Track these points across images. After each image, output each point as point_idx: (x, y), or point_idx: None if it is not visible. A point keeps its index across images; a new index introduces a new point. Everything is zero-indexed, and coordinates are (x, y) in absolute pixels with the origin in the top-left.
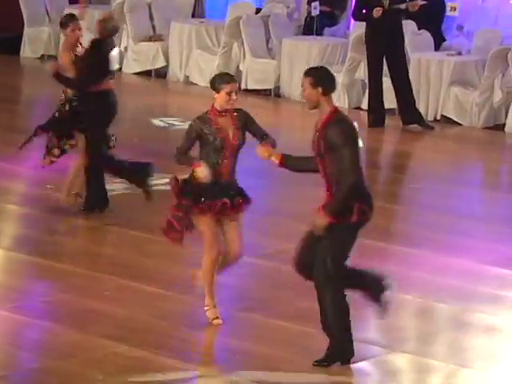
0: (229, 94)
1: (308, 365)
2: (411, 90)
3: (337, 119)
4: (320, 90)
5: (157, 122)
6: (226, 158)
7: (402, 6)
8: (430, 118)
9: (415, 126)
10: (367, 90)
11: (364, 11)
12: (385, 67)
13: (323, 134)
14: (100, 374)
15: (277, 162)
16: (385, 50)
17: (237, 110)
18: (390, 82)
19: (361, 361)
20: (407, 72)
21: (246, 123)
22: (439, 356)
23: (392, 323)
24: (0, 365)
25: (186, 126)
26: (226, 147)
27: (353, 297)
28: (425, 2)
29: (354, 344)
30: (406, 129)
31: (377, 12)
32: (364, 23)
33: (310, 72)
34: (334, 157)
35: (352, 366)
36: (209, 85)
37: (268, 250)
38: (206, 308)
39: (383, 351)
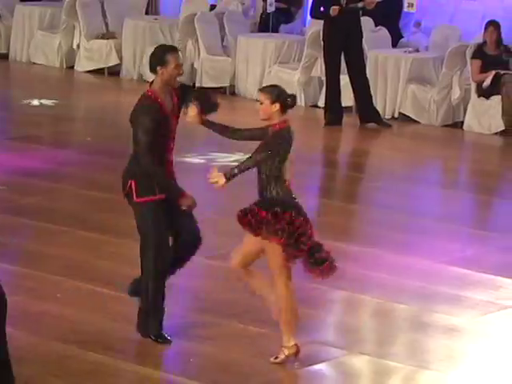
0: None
1: (265, 366)
2: (369, 88)
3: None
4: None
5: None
6: None
7: (360, 5)
8: (388, 115)
9: (373, 124)
10: (324, 88)
11: (322, 9)
12: (342, 65)
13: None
14: (54, 377)
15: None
16: (342, 47)
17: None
18: (348, 79)
19: (319, 363)
20: (365, 70)
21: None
22: (398, 357)
23: (350, 324)
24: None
25: None
26: None
27: (308, 296)
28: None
29: (312, 346)
30: (363, 127)
31: (334, 11)
32: (321, 21)
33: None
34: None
35: (310, 368)
36: None
37: (222, 251)
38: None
39: (341, 353)
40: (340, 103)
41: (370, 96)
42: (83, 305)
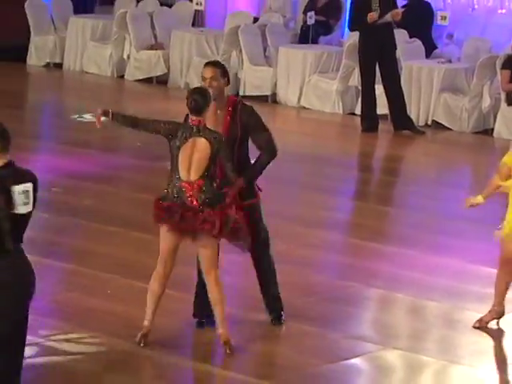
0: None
1: (301, 360)
2: (403, 97)
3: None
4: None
5: None
6: None
7: (388, 19)
8: (421, 123)
9: (407, 131)
10: (360, 97)
11: (357, 22)
12: (377, 75)
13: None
14: (109, 373)
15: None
16: (377, 58)
17: None
18: (383, 89)
19: (354, 357)
20: (399, 79)
21: None
22: (430, 352)
23: (384, 321)
24: None
25: None
26: None
27: (344, 294)
28: (403, 9)
29: (348, 341)
30: (397, 134)
31: (371, 17)
32: (357, 32)
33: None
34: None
35: (346, 362)
36: None
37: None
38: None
39: (376, 348)
40: (375, 111)
41: (404, 105)
42: (134, 302)
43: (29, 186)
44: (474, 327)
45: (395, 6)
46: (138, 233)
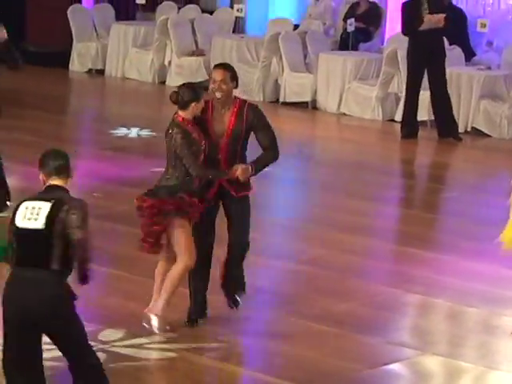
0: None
1: (341, 365)
2: (450, 104)
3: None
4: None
5: None
6: None
7: (432, 25)
8: (461, 130)
9: (450, 138)
10: (400, 103)
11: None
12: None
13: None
14: (144, 372)
15: None
16: (425, 64)
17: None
18: (430, 95)
19: (393, 362)
20: (446, 86)
21: None
22: (469, 358)
23: (423, 326)
24: None
25: None
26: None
27: (384, 299)
28: (444, 15)
29: (387, 346)
30: (436, 140)
31: (439, 21)
32: (398, 39)
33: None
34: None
35: (385, 367)
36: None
37: (304, 256)
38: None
39: (415, 353)
40: (416, 118)
41: (451, 111)
42: (176, 306)
43: (41, 204)
44: None
45: (444, 12)
46: None
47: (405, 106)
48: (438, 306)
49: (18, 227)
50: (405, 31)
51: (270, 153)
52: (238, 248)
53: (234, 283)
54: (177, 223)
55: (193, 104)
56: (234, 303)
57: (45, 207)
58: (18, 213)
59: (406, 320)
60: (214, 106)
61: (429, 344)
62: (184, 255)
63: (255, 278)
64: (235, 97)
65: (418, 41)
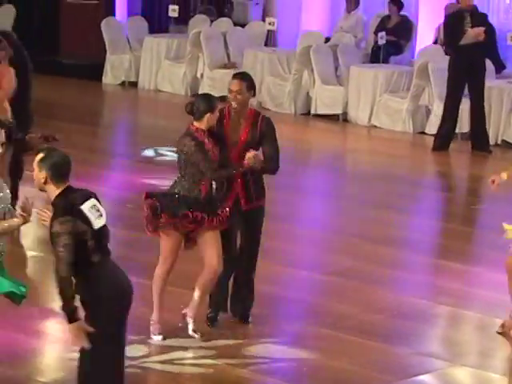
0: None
1: (371, 376)
2: (485, 119)
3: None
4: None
5: None
6: None
7: (472, 39)
8: (491, 142)
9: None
10: (431, 115)
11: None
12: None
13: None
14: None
15: None
16: (466, 78)
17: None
18: (469, 108)
19: (423, 374)
20: (483, 100)
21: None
22: (498, 370)
23: (453, 338)
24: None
25: None
26: None
27: (413, 310)
28: (484, 28)
29: (417, 357)
30: (467, 153)
31: (479, 34)
32: (428, 52)
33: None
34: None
35: (415, 378)
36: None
37: (336, 268)
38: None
39: (444, 364)
40: (454, 131)
41: (485, 126)
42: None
43: (93, 200)
44: (498, 332)
45: (485, 26)
46: None
47: (442, 118)
48: (467, 317)
49: (96, 229)
50: (447, 44)
51: (272, 163)
52: (243, 271)
53: (240, 307)
54: (202, 233)
55: (207, 115)
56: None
57: (96, 203)
58: (89, 217)
59: (435, 331)
60: (230, 114)
61: (458, 355)
62: (209, 262)
63: (285, 288)
64: (250, 108)
65: (459, 54)
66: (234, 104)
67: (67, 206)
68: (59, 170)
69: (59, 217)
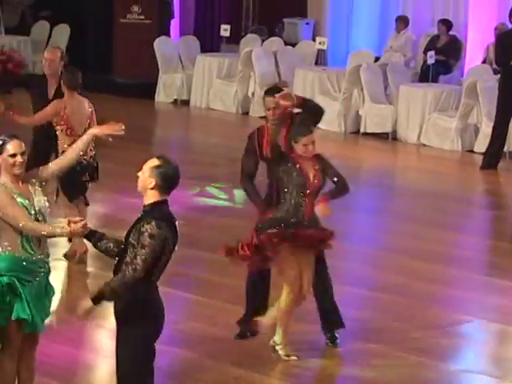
0: (305, 145)
1: None
2: None
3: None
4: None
5: None
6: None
7: None
8: None
9: None
10: (479, 134)
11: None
12: None
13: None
14: None
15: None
16: None
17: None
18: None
19: None
20: None
21: (324, 167)
22: None
23: (503, 355)
24: None
25: None
26: (307, 187)
27: (463, 328)
28: None
29: (467, 374)
30: (508, 170)
31: None
32: (478, 71)
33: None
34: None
35: None
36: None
37: (385, 284)
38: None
39: (495, 381)
40: (502, 149)
41: None
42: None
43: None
44: None
45: None
46: None
47: (491, 136)
48: None
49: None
50: (497, 63)
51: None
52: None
53: (328, 319)
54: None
55: (303, 139)
56: (330, 340)
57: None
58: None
59: (486, 348)
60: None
61: (508, 372)
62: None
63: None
64: None
65: (509, 73)
66: (272, 121)
67: (165, 215)
68: (169, 182)
69: (155, 220)
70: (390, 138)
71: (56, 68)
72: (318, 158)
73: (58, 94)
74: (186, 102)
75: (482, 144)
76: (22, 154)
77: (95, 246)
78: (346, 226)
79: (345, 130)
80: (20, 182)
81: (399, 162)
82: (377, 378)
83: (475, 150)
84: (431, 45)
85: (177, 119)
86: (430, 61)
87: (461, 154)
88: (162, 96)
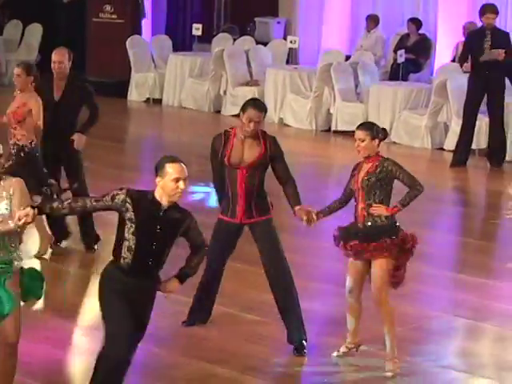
0: None
1: None
2: (504, 138)
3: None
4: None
5: None
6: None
7: (492, 57)
8: (509, 158)
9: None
10: (449, 132)
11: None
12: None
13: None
14: None
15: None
16: (483, 94)
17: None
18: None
19: None
20: (501, 118)
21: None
22: None
23: (472, 350)
24: None
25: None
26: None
27: (432, 323)
28: (504, 50)
29: (437, 369)
30: (485, 168)
31: (500, 55)
32: (448, 70)
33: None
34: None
35: None
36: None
37: None
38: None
39: (464, 376)
40: (470, 146)
41: (503, 142)
42: (230, 329)
43: None
44: None
45: (508, 46)
46: (233, 263)
47: (460, 133)
48: (485, 329)
49: None
50: (461, 60)
51: (293, 184)
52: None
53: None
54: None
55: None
56: (297, 350)
57: None
58: None
59: (454, 344)
60: (236, 135)
61: (477, 367)
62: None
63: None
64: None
65: (477, 71)
66: (249, 133)
67: None
68: None
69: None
70: None
71: (65, 69)
72: None
73: (66, 96)
74: (159, 101)
75: (451, 142)
76: None
77: (52, 211)
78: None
79: (316, 127)
80: None
81: None
82: (347, 372)
83: (445, 147)
84: (401, 44)
85: (149, 118)
86: (400, 59)
87: (431, 152)
88: (135, 95)
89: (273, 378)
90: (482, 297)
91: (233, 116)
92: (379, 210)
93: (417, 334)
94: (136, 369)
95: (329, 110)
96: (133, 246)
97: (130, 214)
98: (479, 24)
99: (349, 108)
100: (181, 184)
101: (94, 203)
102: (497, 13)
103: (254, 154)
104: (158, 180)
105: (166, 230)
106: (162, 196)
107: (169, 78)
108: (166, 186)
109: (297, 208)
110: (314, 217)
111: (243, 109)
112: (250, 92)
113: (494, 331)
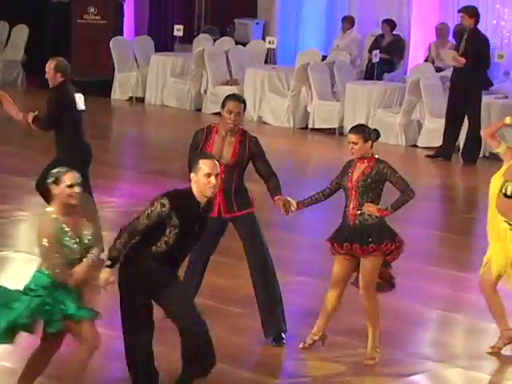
0: None
1: (367, 377)
2: (479, 135)
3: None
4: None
5: None
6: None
7: (455, 64)
8: (480, 155)
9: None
10: (422, 129)
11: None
12: None
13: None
14: None
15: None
16: (463, 95)
17: None
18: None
19: (416, 374)
20: (478, 120)
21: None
22: (487, 370)
23: (444, 340)
24: (93, 375)
25: None
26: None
27: (406, 314)
28: (456, 53)
29: (411, 359)
30: (459, 164)
31: (458, 61)
32: (420, 70)
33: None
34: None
35: (408, 378)
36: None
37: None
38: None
39: (437, 365)
40: (454, 142)
41: (478, 141)
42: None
43: None
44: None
45: (475, 51)
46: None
47: (444, 130)
48: (458, 320)
49: None
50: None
51: (277, 180)
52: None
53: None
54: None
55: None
56: (275, 341)
57: None
58: None
59: (428, 334)
60: (218, 132)
61: (449, 357)
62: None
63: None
64: (240, 127)
65: (455, 71)
66: (231, 125)
67: None
68: None
69: None
70: (336, 133)
71: (51, 79)
72: None
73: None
74: (141, 100)
75: (424, 139)
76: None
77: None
78: (295, 218)
79: (293, 125)
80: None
81: (346, 157)
82: (317, 362)
83: (418, 144)
84: (376, 44)
85: (132, 116)
86: (375, 59)
87: (404, 149)
88: (118, 94)
89: (252, 367)
90: (456, 289)
91: (213, 114)
92: (371, 209)
93: (393, 324)
94: (121, 357)
95: (306, 108)
96: (171, 242)
97: (174, 221)
98: (452, 26)
99: (325, 106)
100: (212, 179)
101: (145, 228)
102: (474, 16)
103: (233, 152)
104: (192, 175)
105: (202, 231)
106: (197, 191)
107: (151, 77)
108: (199, 181)
109: (276, 198)
110: (292, 207)
111: (223, 103)
112: (229, 91)
113: (467, 322)
